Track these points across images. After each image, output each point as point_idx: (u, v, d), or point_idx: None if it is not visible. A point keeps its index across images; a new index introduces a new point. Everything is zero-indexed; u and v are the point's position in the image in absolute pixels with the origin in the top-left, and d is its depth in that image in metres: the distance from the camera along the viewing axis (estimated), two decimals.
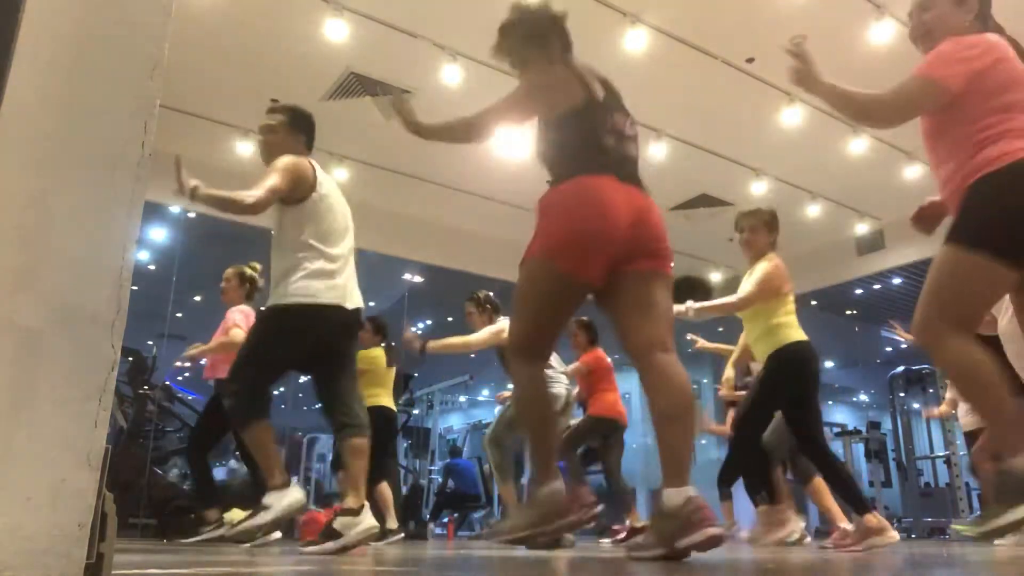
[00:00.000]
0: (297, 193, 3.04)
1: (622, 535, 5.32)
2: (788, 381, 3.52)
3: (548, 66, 2.51)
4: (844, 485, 3.60)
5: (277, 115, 3.25)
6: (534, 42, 2.63)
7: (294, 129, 3.22)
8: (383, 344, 5.75)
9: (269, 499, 2.88)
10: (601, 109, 2.43)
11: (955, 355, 1.90)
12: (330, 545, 2.84)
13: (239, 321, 4.62)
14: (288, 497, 2.88)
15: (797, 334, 3.58)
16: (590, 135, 2.35)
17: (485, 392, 14.76)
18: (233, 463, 8.04)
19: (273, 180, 2.95)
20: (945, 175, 2.14)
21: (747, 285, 3.61)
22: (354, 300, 3.11)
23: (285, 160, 3.04)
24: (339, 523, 2.90)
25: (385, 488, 5.41)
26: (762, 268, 3.62)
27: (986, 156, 1.99)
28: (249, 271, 4.83)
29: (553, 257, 2.13)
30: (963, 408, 5.39)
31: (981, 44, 2.11)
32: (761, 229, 3.75)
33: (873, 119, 2.00)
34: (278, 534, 4.53)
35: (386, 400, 5.52)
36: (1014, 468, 1.77)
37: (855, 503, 3.53)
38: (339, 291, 3.03)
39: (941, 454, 9.53)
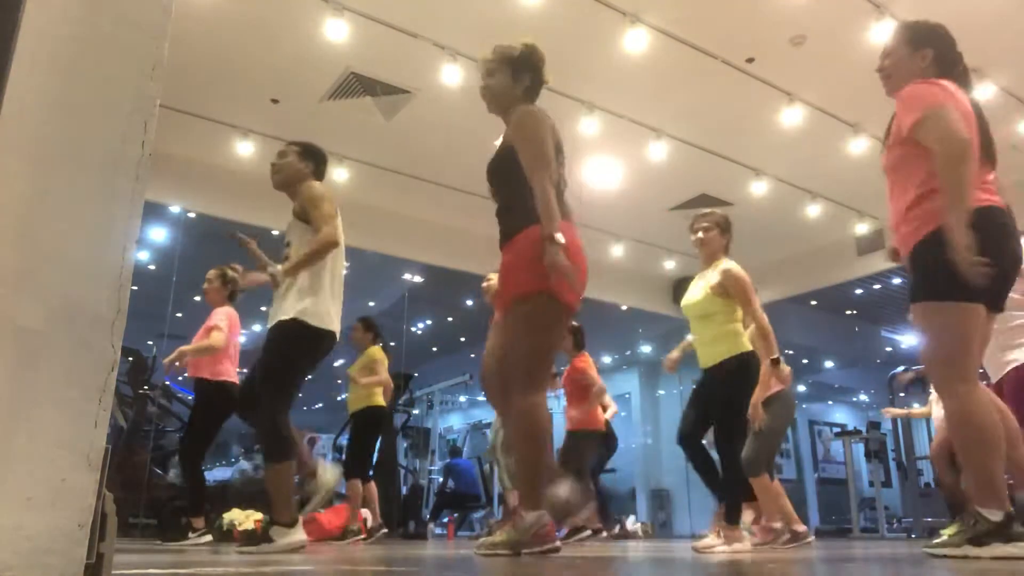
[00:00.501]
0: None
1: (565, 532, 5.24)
2: (750, 386, 3.58)
3: (540, 109, 2.65)
4: (734, 489, 3.52)
5: (290, 146, 3.50)
6: (534, 88, 2.71)
7: (303, 157, 3.44)
8: (380, 343, 5.78)
9: (275, 533, 3.02)
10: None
11: (968, 414, 2.10)
12: (264, 547, 2.97)
13: (221, 323, 4.65)
14: (294, 536, 3.04)
15: (748, 342, 3.61)
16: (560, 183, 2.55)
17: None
18: (244, 464, 8.03)
19: (325, 208, 3.22)
20: (896, 216, 2.37)
21: (754, 308, 3.57)
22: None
23: (317, 187, 3.32)
24: (274, 531, 3.05)
25: (372, 485, 5.54)
26: (741, 279, 3.56)
27: (926, 209, 2.20)
28: (231, 272, 4.85)
29: (575, 300, 2.39)
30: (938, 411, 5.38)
31: (939, 89, 2.29)
32: (714, 229, 3.72)
33: (966, 163, 2.09)
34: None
35: (379, 399, 5.56)
36: (984, 516, 2.05)
37: (731, 510, 3.45)
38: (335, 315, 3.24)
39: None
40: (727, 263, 3.61)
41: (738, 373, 3.49)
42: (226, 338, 4.61)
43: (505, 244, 2.48)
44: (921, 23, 2.58)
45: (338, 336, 3.26)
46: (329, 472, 3.32)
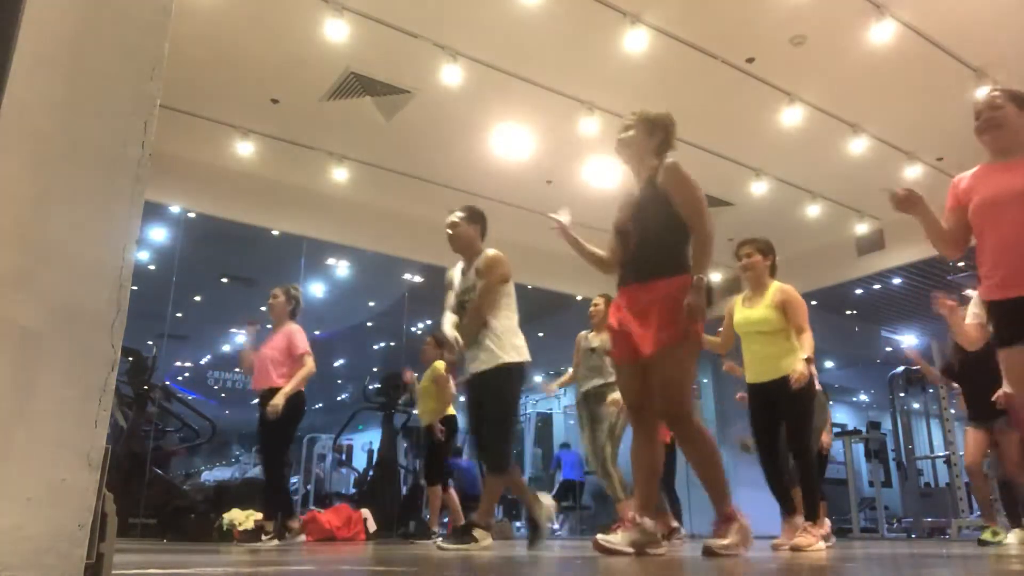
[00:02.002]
0: (507, 277, 3.82)
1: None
2: (813, 396, 3.91)
3: None
4: (817, 490, 3.91)
5: (458, 212, 3.95)
6: (665, 146, 3.06)
7: (471, 221, 3.92)
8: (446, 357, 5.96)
9: (478, 533, 3.52)
10: None
11: None
12: (472, 545, 3.47)
13: (308, 347, 4.92)
14: (488, 539, 3.54)
15: None
16: None
17: None
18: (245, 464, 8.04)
19: (500, 276, 3.74)
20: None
21: (802, 325, 3.87)
22: None
23: (492, 254, 3.78)
24: (476, 532, 3.58)
25: (452, 492, 5.93)
26: (796, 298, 3.92)
27: None
28: (294, 291, 5.15)
29: (702, 330, 2.81)
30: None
31: None
32: (756, 255, 4.03)
33: None
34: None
35: (451, 410, 5.90)
36: None
37: (812, 509, 3.78)
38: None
39: (941, 454, 9.52)
40: (783, 285, 3.98)
41: (807, 386, 3.77)
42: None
43: (647, 284, 2.75)
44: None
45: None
46: (547, 498, 3.81)
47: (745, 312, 4.00)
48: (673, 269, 2.73)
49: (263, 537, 4.66)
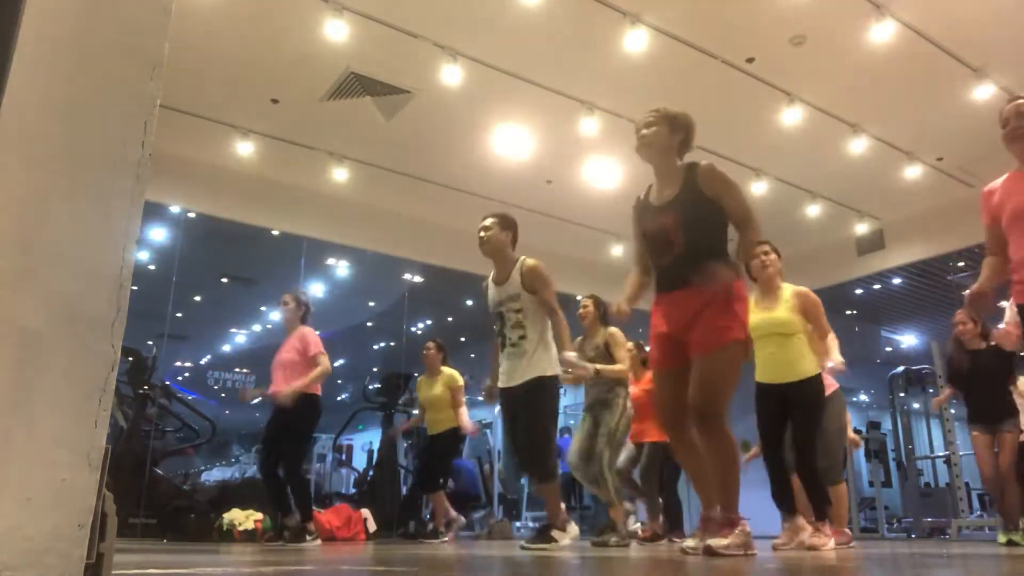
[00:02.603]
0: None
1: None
2: (823, 405, 3.99)
3: None
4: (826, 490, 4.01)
5: (490, 218, 3.96)
6: (686, 145, 3.04)
7: (503, 227, 3.92)
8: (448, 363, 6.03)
9: (556, 535, 3.67)
10: None
11: None
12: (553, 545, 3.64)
13: (321, 346, 5.01)
14: (566, 537, 3.71)
15: None
16: None
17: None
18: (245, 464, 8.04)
19: (551, 288, 3.81)
20: None
21: (826, 328, 4.02)
22: None
23: (538, 266, 3.82)
24: (555, 533, 3.75)
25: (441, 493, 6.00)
26: (816, 301, 4.01)
27: None
28: (304, 297, 5.29)
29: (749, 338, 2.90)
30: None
31: None
32: (772, 253, 4.06)
33: None
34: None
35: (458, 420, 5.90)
36: None
37: (823, 508, 3.85)
38: None
39: (941, 454, 9.52)
40: (799, 287, 4.04)
41: (822, 391, 3.90)
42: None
43: (698, 288, 2.70)
44: None
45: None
46: (574, 528, 3.85)
47: (762, 314, 3.94)
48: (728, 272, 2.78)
49: (307, 538, 4.75)
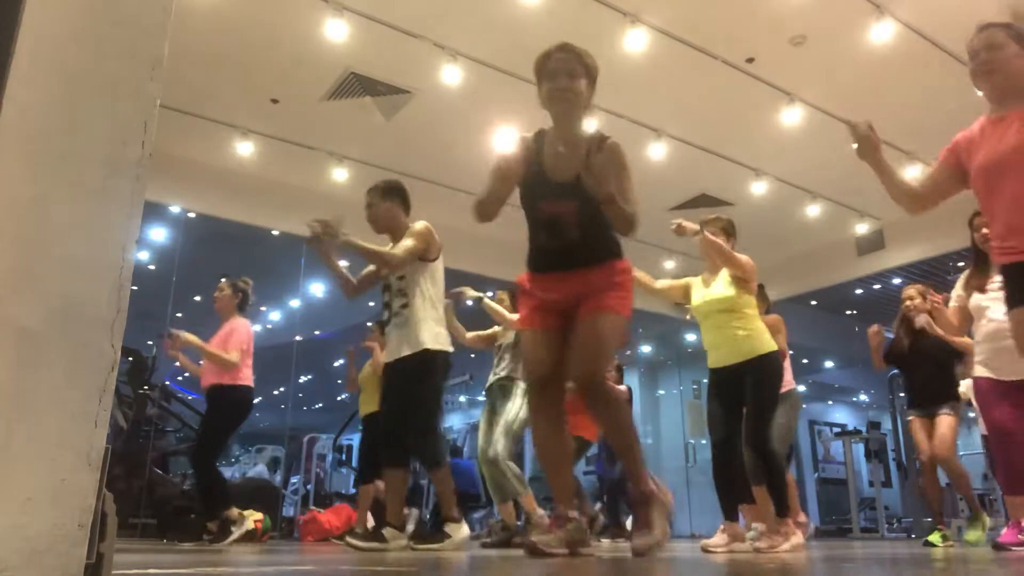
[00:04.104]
0: (430, 254, 3.59)
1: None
2: (780, 382, 3.58)
3: None
4: (784, 484, 3.57)
5: (370, 193, 3.74)
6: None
7: (384, 197, 3.72)
8: None
9: (450, 529, 3.44)
10: None
11: None
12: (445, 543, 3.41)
13: (244, 341, 4.74)
14: (463, 531, 3.48)
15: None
16: None
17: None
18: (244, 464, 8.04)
19: (411, 243, 3.49)
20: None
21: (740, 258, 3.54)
22: None
23: (421, 225, 3.63)
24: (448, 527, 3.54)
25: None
26: (744, 256, 3.56)
27: None
28: (242, 284, 4.98)
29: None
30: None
31: None
32: (720, 234, 3.65)
33: None
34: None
35: None
36: None
37: (783, 505, 3.49)
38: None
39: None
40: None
41: (779, 367, 3.51)
42: (241, 355, 4.72)
43: (592, 268, 2.51)
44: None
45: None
46: (464, 530, 3.58)
47: (704, 292, 3.66)
48: (617, 252, 2.60)
49: (232, 529, 4.44)
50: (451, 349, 3.56)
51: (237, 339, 4.72)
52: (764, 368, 3.43)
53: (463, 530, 3.49)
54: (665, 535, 2.43)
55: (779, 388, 3.56)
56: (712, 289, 3.63)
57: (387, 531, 3.48)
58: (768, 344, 3.49)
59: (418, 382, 3.42)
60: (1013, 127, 2.20)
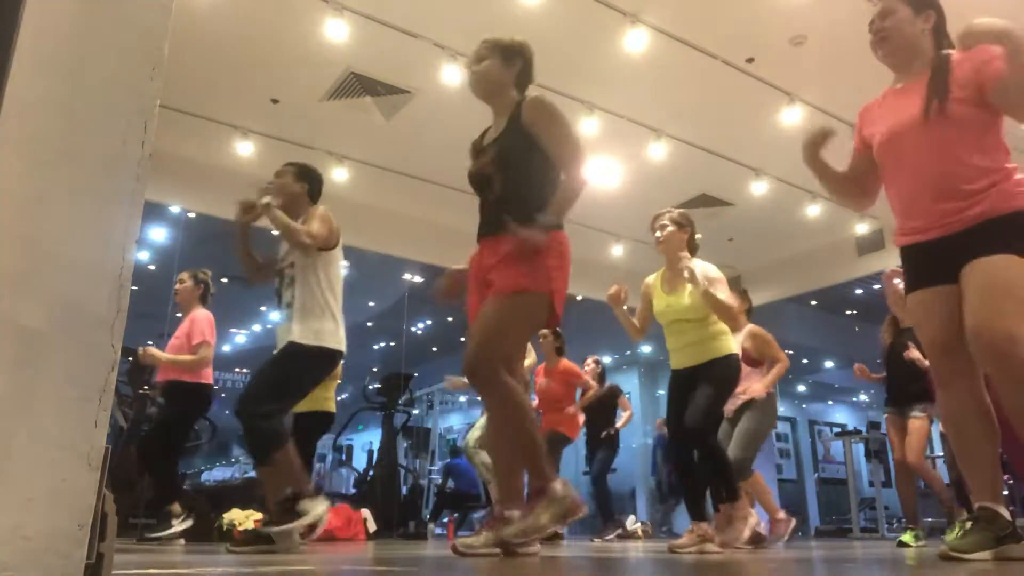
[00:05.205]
0: (331, 242, 3.35)
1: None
2: (734, 387, 3.65)
3: None
4: (731, 473, 3.62)
5: (283, 173, 3.59)
6: (525, 76, 2.84)
7: (298, 179, 3.54)
8: None
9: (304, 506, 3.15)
10: None
11: None
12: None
13: (205, 332, 4.68)
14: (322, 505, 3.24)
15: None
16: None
17: None
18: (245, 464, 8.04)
19: (317, 227, 3.29)
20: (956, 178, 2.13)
21: (726, 296, 3.46)
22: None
23: (323, 209, 3.39)
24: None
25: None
26: (718, 275, 3.49)
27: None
28: (202, 275, 4.96)
29: (560, 300, 2.41)
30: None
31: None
32: (672, 226, 3.64)
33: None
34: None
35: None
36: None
37: (733, 491, 3.53)
38: (342, 337, 3.32)
39: (940, 454, 9.52)
40: (703, 262, 3.56)
41: (730, 370, 3.51)
42: (205, 348, 4.65)
43: (511, 235, 2.33)
44: None
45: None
46: (321, 505, 3.30)
47: (667, 299, 3.59)
48: (540, 220, 2.40)
49: (174, 522, 4.42)
50: (337, 348, 3.26)
51: (199, 330, 4.67)
52: (717, 367, 3.47)
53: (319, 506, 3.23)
54: (539, 532, 2.26)
55: (731, 388, 3.57)
56: (675, 297, 3.58)
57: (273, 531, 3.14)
58: (727, 347, 3.52)
59: (273, 365, 3.20)
60: (913, 97, 2.13)
